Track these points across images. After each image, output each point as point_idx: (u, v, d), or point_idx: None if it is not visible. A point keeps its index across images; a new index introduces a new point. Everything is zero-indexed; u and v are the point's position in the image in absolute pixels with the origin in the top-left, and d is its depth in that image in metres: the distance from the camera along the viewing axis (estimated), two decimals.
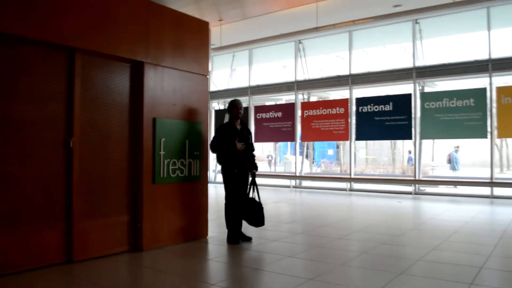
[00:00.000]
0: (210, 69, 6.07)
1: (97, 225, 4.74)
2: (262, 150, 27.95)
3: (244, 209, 5.63)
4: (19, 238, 4.05)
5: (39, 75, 4.26)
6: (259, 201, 5.66)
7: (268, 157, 26.47)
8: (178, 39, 5.64)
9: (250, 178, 5.75)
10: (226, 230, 5.73)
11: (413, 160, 12.55)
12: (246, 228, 5.89)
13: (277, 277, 4.12)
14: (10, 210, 4.00)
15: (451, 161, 15.64)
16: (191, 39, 5.83)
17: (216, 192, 12.09)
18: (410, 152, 23.51)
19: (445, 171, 16.72)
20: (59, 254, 4.40)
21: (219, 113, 16.31)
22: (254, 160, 5.84)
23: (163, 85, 5.38)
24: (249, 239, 5.70)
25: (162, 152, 5.30)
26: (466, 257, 4.96)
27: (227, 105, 5.88)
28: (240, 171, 5.61)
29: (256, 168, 5.81)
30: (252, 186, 5.71)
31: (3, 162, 3.96)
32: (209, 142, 5.90)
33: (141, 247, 5.08)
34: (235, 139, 5.57)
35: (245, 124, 5.86)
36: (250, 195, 5.69)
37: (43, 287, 3.75)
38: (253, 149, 5.85)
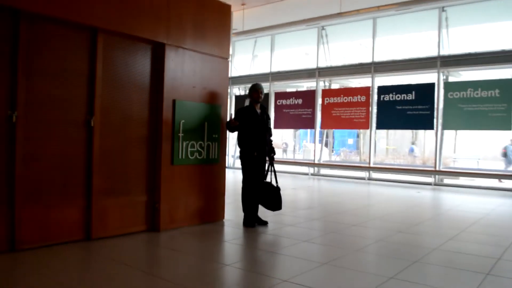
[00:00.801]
0: (231, 53, 6.07)
1: (115, 204, 4.82)
2: (282, 137, 27.88)
3: (261, 193, 5.66)
4: (39, 214, 4.16)
5: (61, 54, 4.33)
6: (277, 185, 5.67)
7: (283, 144, 26.39)
8: (200, 22, 5.64)
9: (268, 163, 5.77)
10: (242, 214, 5.77)
11: (414, 151, 12.28)
12: (263, 212, 5.91)
13: (292, 260, 4.14)
14: (32, 186, 4.10)
15: (507, 155, 14.77)
16: (212, 22, 5.83)
17: (234, 177, 12.16)
18: (412, 143, 23.07)
19: (499, 165, 15.92)
20: (79, 231, 4.50)
21: (239, 98, 16.32)
22: (272, 144, 5.85)
23: (183, 67, 5.41)
24: (265, 223, 5.73)
25: (181, 134, 5.34)
26: (483, 248, 4.90)
27: (247, 90, 5.88)
28: (259, 154, 5.63)
29: (274, 152, 5.83)
30: (269, 171, 5.73)
31: (27, 139, 4.05)
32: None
33: (158, 227, 5.15)
34: (254, 121, 5.58)
35: (265, 108, 5.86)
36: (268, 180, 5.71)
37: (63, 262, 3.85)
38: (271, 134, 5.85)
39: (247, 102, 5.89)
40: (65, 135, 4.36)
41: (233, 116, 5.62)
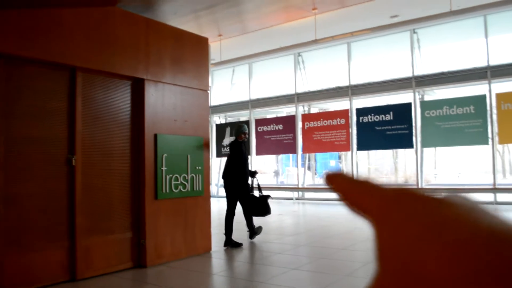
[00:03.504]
0: (210, 84, 6.05)
1: (100, 242, 4.74)
2: (264, 163, 27.87)
3: (249, 205, 6.20)
4: (22, 257, 4.06)
5: (41, 94, 4.32)
6: (261, 193, 6.26)
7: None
8: (178, 56, 5.70)
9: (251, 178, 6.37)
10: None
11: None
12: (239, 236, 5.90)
13: None
14: (13, 228, 4.02)
15: None
16: (191, 55, 5.89)
17: (218, 206, 12.06)
18: (340, 162, 23.05)
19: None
20: (63, 272, 4.40)
21: (220, 127, 16.34)
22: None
23: (163, 101, 5.43)
24: (239, 244, 6.09)
25: (164, 168, 5.32)
26: None
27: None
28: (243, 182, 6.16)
29: (256, 172, 6.46)
30: (253, 185, 6.33)
31: (7, 180, 3.99)
32: (211, 153, 6.06)
33: (145, 263, 5.07)
34: (244, 156, 6.21)
35: (246, 146, 6.41)
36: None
37: None
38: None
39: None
40: (46, 174, 4.30)
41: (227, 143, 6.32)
